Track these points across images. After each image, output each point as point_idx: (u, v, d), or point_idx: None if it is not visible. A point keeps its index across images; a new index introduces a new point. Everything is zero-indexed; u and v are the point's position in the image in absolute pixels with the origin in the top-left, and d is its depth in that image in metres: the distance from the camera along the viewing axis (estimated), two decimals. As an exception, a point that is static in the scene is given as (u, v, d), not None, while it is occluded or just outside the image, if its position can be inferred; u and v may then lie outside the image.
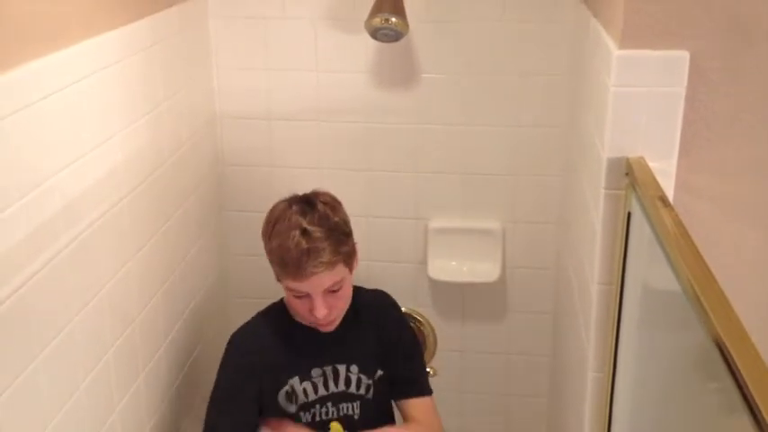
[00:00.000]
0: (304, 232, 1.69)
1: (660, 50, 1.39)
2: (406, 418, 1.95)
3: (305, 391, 1.83)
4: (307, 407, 1.83)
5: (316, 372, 1.84)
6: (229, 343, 1.86)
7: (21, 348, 1.25)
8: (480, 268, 2.27)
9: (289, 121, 2.22)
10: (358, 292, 1.91)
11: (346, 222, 1.80)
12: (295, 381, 1.83)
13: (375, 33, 1.96)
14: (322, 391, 1.83)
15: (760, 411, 0.78)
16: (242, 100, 2.21)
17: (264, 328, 1.88)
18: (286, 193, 2.27)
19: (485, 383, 2.41)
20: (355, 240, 1.82)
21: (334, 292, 1.74)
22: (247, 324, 1.90)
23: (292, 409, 1.83)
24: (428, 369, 2.22)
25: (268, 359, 1.83)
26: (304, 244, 1.68)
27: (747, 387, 0.82)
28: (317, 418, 1.84)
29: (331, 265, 1.70)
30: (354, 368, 1.85)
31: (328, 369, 1.84)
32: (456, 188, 2.24)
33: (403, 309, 2.35)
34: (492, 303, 2.33)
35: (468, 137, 2.18)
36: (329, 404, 1.85)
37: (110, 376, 1.56)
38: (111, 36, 1.55)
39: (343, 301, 1.80)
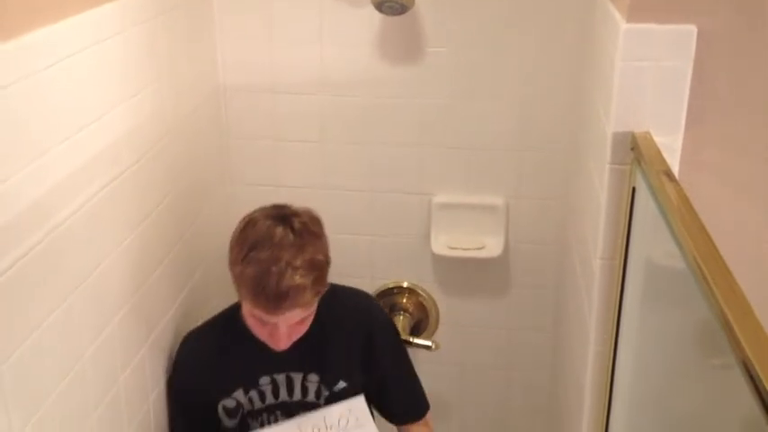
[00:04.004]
0: (287, 267, 1.55)
1: (668, 25, 1.38)
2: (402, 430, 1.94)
3: (250, 399, 1.76)
4: (253, 414, 1.77)
5: (264, 380, 1.75)
6: (177, 351, 1.82)
7: (23, 318, 1.25)
8: (484, 243, 2.27)
9: (293, 95, 2.21)
10: (331, 293, 1.73)
11: (327, 252, 1.66)
12: (239, 393, 1.75)
13: (380, 6, 1.94)
14: (270, 400, 1.76)
15: (763, 386, 0.78)
16: (246, 72, 2.20)
17: (212, 336, 1.80)
18: (291, 166, 2.28)
19: (487, 357, 2.41)
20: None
21: (301, 321, 1.66)
22: (196, 330, 1.84)
23: (231, 423, 1.77)
24: (430, 343, 2.23)
25: (208, 372, 1.77)
26: (286, 283, 1.54)
27: (751, 362, 0.82)
28: (265, 426, 1.76)
29: (309, 305, 1.62)
30: (314, 377, 1.77)
31: (280, 377, 1.76)
32: (460, 163, 2.23)
33: (405, 283, 2.37)
34: (495, 278, 2.33)
35: (472, 112, 2.17)
36: (278, 413, 1.77)
37: (114, 346, 1.56)
38: (115, 6, 1.54)
39: (306, 327, 1.69)
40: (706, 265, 0.99)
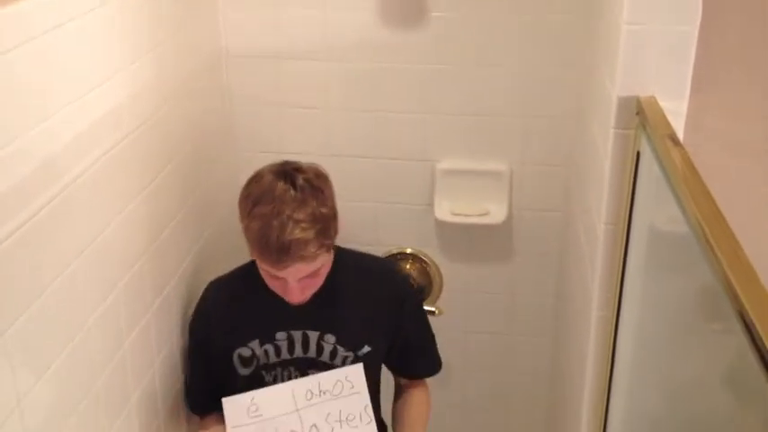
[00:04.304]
0: (288, 221, 1.59)
1: (674, -12, 1.37)
2: (403, 384, 1.97)
3: (266, 352, 1.79)
4: (268, 368, 1.80)
5: (281, 335, 1.79)
6: (200, 298, 1.88)
7: (28, 283, 1.26)
8: (487, 210, 2.26)
9: (296, 60, 2.20)
10: (358, 259, 1.86)
11: (332, 207, 1.69)
12: (255, 344, 1.79)
13: (384, -30, 1.92)
14: (285, 355, 1.79)
15: (767, 350, 0.78)
16: (249, 38, 2.18)
17: (235, 285, 1.86)
18: (295, 132, 2.27)
19: (489, 323, 2.42)
20: (339, 213, 1.72)
21: (311, 276, 1.68)
22: (220, 278, 1.90)
23: (245, 372, 1.80)
24: (433, 309, 2.24)
25: (228, 319, 1.82)
26: (287, 236, 1.58)
27: (755, 327, 0.82)
28: (278, 381, 1.80)
29: (312, 257, 1.62)
30: (330, 338, 1.79)
31: (296, 334, 1.79)
32: (464, 129, 2.22)
33: (409, 250, 2.37)
34: (498, 245, 2.33)
35: (477, 77, 2.16)
36: (292, 368, 1.80)
37: (119, 311, 1.57)
38: (116, -30, 1.53)
39: (320, 280, 1.73)
40: (710, 230, 0.99)
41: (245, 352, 1.80)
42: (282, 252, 1.59)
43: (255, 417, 1.70)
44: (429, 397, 1.97)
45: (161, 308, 1.77)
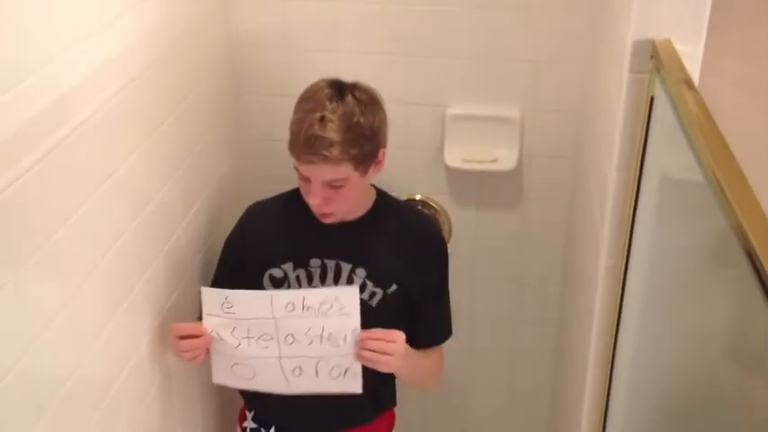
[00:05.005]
0: (321, 119, 1.67)
1: (692, -74, 1.32)
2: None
3: (297, 277, 1.83)
4: None
5: (315, 262, 1.83)
6: (241, 217, 1.94)
7: (36, 226, 1.25)
8: (497, 156, 2.24)
9: (303, 2, 2.16)
10: (398, 204, 1.95)
11: (372, 126, 1.73)
12: (288, 266, 1.83)
13: None
14: (316, 283, 1.83)
15: (778, 298, 0.77)
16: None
17: (277, 208, 1.92)
18: (301, 76, 2.23)
19: (498, 269, 2.42)
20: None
21: (336, 187, 1.71)
22: (264, 200, 1.95)
23: None
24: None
25: (265, 238, 1.88)
26: (315, 131, 1.66)
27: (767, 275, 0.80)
28: None
29: (335, 161, 1.67)
30: (361, 272, 1.83)
31: (330, 263, 1.83)
32: (475, 74, 2.18)
33: (418, 196, 2.36)
34: (508, 191, 2.32)
35: (489, 21, 2.12)
36: None
37: (128, 257, 1.57)
38: None
39: (345, 200, 1.76)
40: (723, 177, 0.97)
41: (278, 273, 1.84)
42: (307, 146, 1.66)
43: (228, 312, 1.70)
44: (441, 358, 1.98)
45: (169, 254, 1.78)
